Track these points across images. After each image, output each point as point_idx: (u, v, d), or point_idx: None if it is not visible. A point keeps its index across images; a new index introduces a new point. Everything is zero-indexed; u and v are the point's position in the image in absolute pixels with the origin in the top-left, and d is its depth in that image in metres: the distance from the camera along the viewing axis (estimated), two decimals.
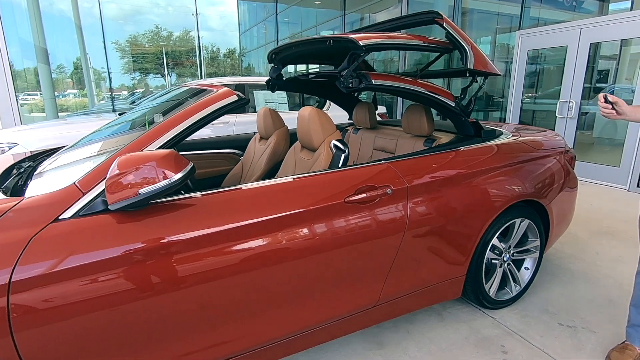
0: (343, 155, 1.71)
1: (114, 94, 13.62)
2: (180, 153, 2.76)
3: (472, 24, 8.32)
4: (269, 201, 1.37)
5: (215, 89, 1.53)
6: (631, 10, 6.26)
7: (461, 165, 1.81)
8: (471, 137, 2.04)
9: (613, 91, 5.69)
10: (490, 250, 1.92)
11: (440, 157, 1.80)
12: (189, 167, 1.18)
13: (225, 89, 1.51)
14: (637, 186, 4.37)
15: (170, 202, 1.25)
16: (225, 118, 4.38)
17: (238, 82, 4.55)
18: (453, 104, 1.91)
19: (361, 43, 1.59)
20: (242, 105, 1.49)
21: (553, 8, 7.80)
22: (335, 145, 1.78)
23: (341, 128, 3.06)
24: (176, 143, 1.35)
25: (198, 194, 1.31)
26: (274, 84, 2.55)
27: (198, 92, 1.64)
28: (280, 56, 2.36)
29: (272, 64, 2.48)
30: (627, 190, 4.45)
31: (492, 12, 8.46)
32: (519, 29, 5.82)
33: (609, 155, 4.97)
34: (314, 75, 2.23)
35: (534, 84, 6.41)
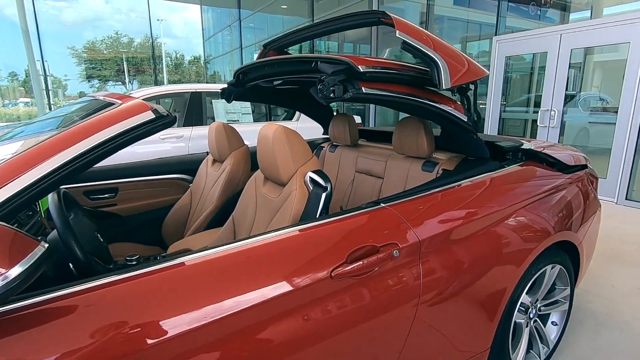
0: (324, 195, 1.20)
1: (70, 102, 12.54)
2: (113, 181, 2.15)
3: (441, 32, 8.16)
4: (214, 287, 0.82)
5: (121, 102, 0.97)
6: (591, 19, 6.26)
7: (489, 202, 1.34)
8: (484, 159, 1.59)
9: (582, 99, 5.57)
10: (517, 310, 1.46)
11: (459, 193, 1.32)
12: (38, 253, 0.62)
13: (137, 101, 0.96)
14: (626, 198, 4.15)
15: (14, 313, 0.68)
16: (180, 131, 3.76)
17: (194, 90, 3.95)
18: (465, 119, 1.44)
19: (361, 69, 1.15)
20: (162, 127, 0.94)
21: (520, 17, 7.81)
22: (312, 180, 1.26)
23: (315, 145, 2.54)
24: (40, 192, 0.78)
25: (90, 283, 0.75)
26: (230, 93, 1.98)
27: (101, 107, 1.07)
28: (249, 77, 1.77)
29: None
30: (615, 203, 4.23)
31: (462, 20, 8.35)
32: (496, 35, 5.61)
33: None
34: (280, 82, 1.70)
35: (503, 92, 6.25)
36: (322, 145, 2.51)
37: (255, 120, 4.69)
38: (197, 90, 3.95)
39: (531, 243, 1.40)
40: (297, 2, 10.13)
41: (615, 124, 4.19)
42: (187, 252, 0.88)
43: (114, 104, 1.00)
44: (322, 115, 2.55)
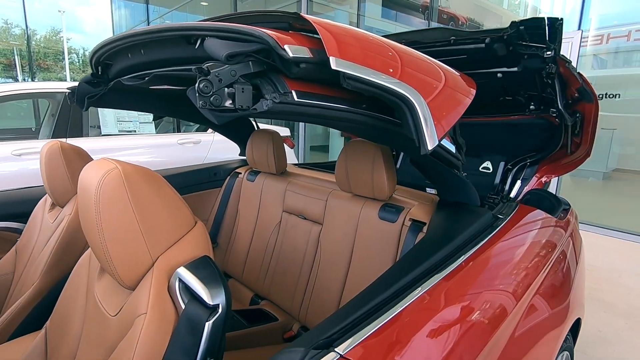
0: (209, 325, 0.55)
1: None
2: None
3: None
4: None
5: None
6: None
7: (507, 288, 0.82)
8: (465, 205, 1.09)
9: None
10: None
11: (463, 285, 0.78)
12: None
13: None
14: None
15: None
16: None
17: (51, 90, 2.99)
18: (454, 149, 0.91)
19: (289, 52, 0.56)
20: None
21: None
22: (185, 287, 0.61)
23: (227, 170, 1.87)
24: None
25: None
26: (83, 96, 1.20)
27: None
28: (114, 70, 1.04)
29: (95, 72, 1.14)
30: None
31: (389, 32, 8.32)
32: None
33: None
34: (157, 73, 0.97)
35: None
36: (237, 171, 1.85)
37: (161, 131, 3.82)
38: (54, 90, 2.99)
39: (555, 331, 0.93)
40: None
41: None
42: None
43: None
44: (234, 130, 1.90)
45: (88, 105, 1.21)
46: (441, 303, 0.72)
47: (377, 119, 0.72)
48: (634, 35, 5.94)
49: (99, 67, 1.08)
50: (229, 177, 1.84)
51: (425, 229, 1.06)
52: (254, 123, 1.93)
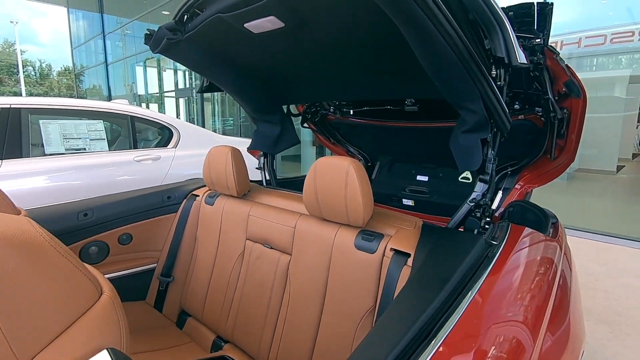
0: None
1: None
2: None
3: None
4: None
5: None
6: None
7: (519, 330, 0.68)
8: (449, 231, 0.95)
9: None
10: None
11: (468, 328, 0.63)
12: None
13: None
14: None
15: None
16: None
17: (7, 105, 2.66)
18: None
19: None
20: None
21: None
22: None
23: (184, 192, 1.66)
24: None
25: None
26: (160, 39, 1.19)
27: None
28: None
29: None
30: None
31: None
32: None
33: None
34: None
35: None
36: (195, 193, 1.64)
37: (119, 148, 3.53)
38: (14, 106, 2.67)
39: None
40: None
41: None
42: None
43: None
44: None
45: (162, 49, 1.19)
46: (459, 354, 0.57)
47: None
48: (584, 42, 6.21)
49: (185, 16, 1.11)
50: (185, 200, 1.62)
51: (410, 261, 0.90)
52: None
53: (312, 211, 1.10)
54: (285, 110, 1.78)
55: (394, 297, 0.92)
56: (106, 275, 1.48)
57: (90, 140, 2.97)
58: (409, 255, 0.92)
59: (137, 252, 1.55)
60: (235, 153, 1.40)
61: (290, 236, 1.19)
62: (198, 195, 1.60)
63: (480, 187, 1.11)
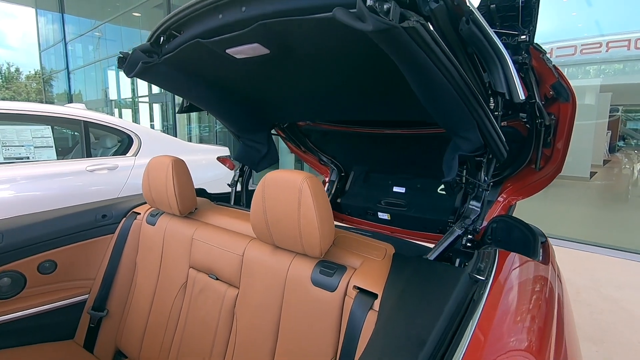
0: None
1: None
2: None
3: None
4: None
5: None
6: None
7: None
8: (429, 262, 0.78)
9: None
10: None
11: None
12: None
13: None
14: None
15: None
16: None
17: None
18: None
19: None
20: None
21: None
22: None
23: (124, 211, 1.43)
24: None
25: None
26: (134, 63, 1.07)
27: None
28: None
29: None
30: None
31: None
32: None
33: None
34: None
35: None
36: (136, 210, 1.41)
37: (66, 156, 3.24)
38: None
39: None
40: (152, 10, 8.64)
41: None
42: None
43: None
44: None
45: (137, 73, 1.05)
46: None
47: None
48: (555, 52, 6.32)
49: (161, 38, 1.01)
50: (124, 219, 1.39)
51: (376, 304, 0.72)
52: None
53: (262, 237, 0.91)
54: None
55: (357, 347, 0.73)
56: (24, 312, 1.23)
57: (35, 147, 2.67)
58: (375, 296, 0.73)
59: (62, 282, 1.31)
60: (178, 165, 1.19)
61: (238, 266, 0.99)
62: (139, 213, 1.38)
63: (473, 213, 1.05)
